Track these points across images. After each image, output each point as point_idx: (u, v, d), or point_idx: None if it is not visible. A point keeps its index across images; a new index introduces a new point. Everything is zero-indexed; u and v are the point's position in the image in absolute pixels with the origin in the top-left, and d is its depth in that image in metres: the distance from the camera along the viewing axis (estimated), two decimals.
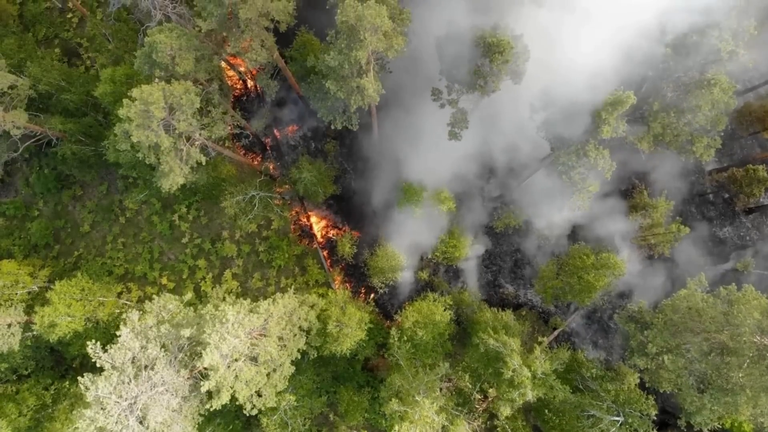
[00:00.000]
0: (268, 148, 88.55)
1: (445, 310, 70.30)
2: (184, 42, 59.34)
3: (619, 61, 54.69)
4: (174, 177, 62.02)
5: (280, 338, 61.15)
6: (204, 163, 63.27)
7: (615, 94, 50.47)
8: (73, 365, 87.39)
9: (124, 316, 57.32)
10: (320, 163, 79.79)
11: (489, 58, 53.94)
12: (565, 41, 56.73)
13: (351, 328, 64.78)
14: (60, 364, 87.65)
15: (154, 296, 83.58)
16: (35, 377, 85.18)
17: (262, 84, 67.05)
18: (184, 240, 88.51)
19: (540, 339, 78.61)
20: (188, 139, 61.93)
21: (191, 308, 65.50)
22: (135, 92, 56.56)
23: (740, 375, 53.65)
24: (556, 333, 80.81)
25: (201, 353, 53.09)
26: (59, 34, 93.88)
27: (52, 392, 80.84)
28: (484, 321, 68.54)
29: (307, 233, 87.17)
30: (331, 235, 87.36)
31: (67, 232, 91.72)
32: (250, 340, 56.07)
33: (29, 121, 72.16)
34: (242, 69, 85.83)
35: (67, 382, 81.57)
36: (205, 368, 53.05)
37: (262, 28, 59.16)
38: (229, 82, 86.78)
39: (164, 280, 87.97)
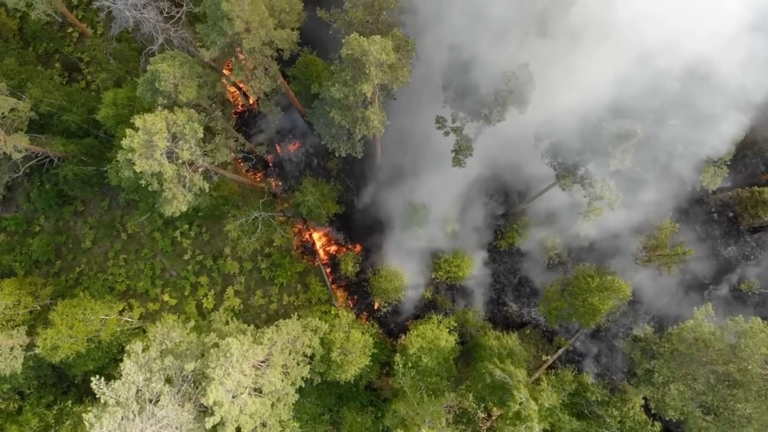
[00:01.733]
0: (270, 164, 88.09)
1: (449, 332, 70.05)
2: (187, 70, 58.93)
3: (626, 91, 54.13)
4: (177, 204, 61.75)
5: (284, 365, 60.94)
6: (207, 190, 62.83)
7: (622, 127, 50.06)
8: (75, 381, 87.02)
9: (127, 348, 57.03)
10: (323, 185, 79.33)
11: (494, 89, 53.55)
12: (570, 70, 56.24)
13: (355, 354, 64.51)
14: (62, 380, 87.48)
15: (157, 314, 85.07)
16: (37, 394, 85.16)
17: (266, 110, 66.52)
18: (186, 256, 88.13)
19: (544, 358, 78.93)
20: (191, 165, 61.49)
21: (195, 333, 65.42)
22: (138, 122, 56.21)
23: (747, 408, 53.56)
24: (560, 352, 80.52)
25: (206, 385, 53.02)
26: (60, 48, 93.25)
27: (54, 411, 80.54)
28: (489, 346, 68.16)
29: (309, 250, 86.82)
30: (333, 252, 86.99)
31: (68, 247, 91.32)
32: (254, 373, 55.80)
33: (30, 142, 71.68)
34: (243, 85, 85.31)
35: (70, 402, 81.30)
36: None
37: (266, 56, 58.71)
38: (230, 97, 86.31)
39: (166, 297, 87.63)
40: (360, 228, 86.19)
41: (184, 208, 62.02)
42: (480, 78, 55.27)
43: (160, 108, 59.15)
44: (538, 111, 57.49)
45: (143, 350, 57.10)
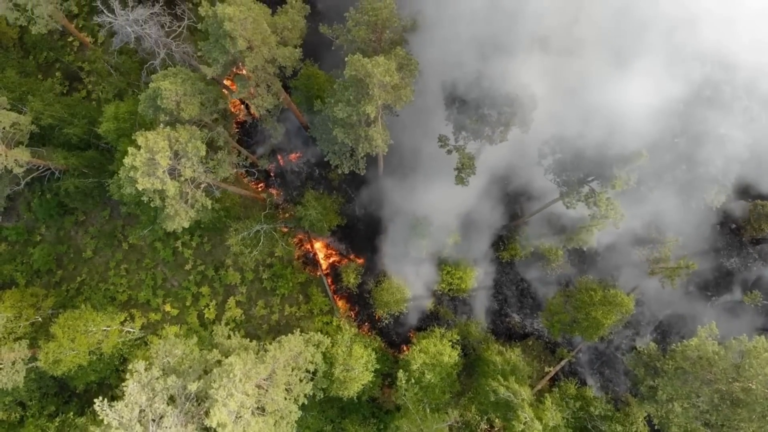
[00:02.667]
0: (272, 174, 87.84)
1: (452, 346, 69.97)
2: (189, 87, 58.66)
3: (631, 111, 53.90)
4: (179, 220, 61.56)
5: (287, 383, 60.80)
6: (210, 206, 62.63)
7: (627, 148, 49.88)
8: (77, 391, 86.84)
9: (130, 367, 56.83)
10: (325, 198, 79.08)
11: (497, 109, 53.35)
12: (574, 88, 56.02)
13: (358, 371, 64.39)
14: (64, 390, 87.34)
15: (159, 324, 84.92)
16: (38, 404, 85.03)
17: (269, 127, 66.28)
18: (188, 267, 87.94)
19: (547, 369, 78.87)
20: (193, 181, 61.27)
21: (197, 348, 65.35)
22: (140, 140, 55.96)
23: (750, 428, 53.61)
24: (562, 364, 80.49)
25: (209, 403, 52.94)
26: (60, 57, 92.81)
27: (57, 424, 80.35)
28: (492, 362, 68.03)
29: (311, 261, 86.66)
30: (335, 263, 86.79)
31: (69, 257, 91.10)
32: (257, 392, 55.66)
33: (31, 155, 71.45)
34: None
35: (72, 413, 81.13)
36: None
37: (269, 73, 58.46)
38: (231, 107, 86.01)
39: (168, 307, 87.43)
40: (362, 238, 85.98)
41: (186, 225, 61.85)
42: (482, 98, 54.88)
43: (162, 125, 58.90)
44: (542, 128, 57.34)
45: (146, 369, 56.79)
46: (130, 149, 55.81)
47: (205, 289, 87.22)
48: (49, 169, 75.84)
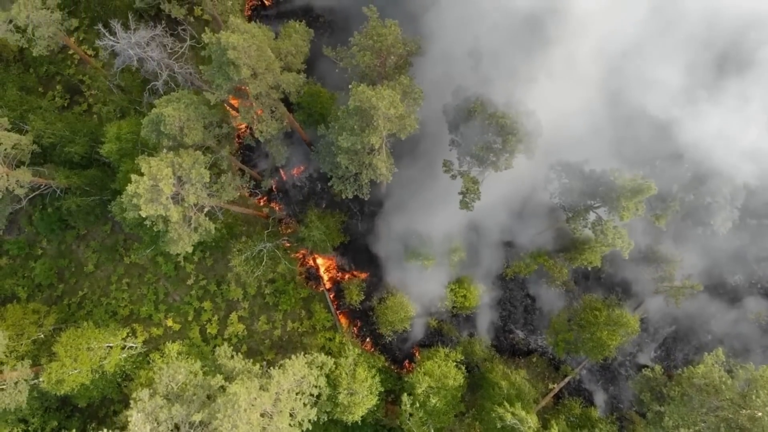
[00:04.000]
0: (274, 189, 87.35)
1: (456, 366, 69.76)
2: (192, 112, 58.22)
3: (638, 140, 53.62)
4: (183, 245, 61.21)
5: (291, 408, 60.54)
6: (213, 231, 62.25)
7: (636, 181, 49.50)
8: (79, 405, 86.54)
9: (134, 395, 56.53)
10: (328, 217, 78.67)
11: (502, 137, 52.90)
12: (580, 115, 55.66)
13: (362, 395, 64.14)
14: (66, 405, 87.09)
15: (161, 339, 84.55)
16: (41, 419, 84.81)
17: (272, 150, 65.84)
18: (190, 281, 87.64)
19: (551, 386, 78.67)
20: (196, 205, 60.87)
21: (200, 370, 65.11)
22: (143, 167, 55.58)
23: None
24: (566, 380, 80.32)
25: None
26: (61, 71, 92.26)
27: None
28: (497, 384, 67.77)
29: (313, 276, 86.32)
30: (338, 278, 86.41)
31: (71, 271, 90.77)
32: (262, 422, 55.39)
33: (33, 174, 71.03)
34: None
35: (74, 430, 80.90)
36: None
37: (273, 99, 58.01)
38: (233, 122, 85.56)
39: (170, 322, 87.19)
40: (365, 254, 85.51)
41: (190, 249, 61.56)
42: (486, 125, 54.43)
43: (165, 150, 58.49)
44: (549, 153, 57.00)
45: (150, 397, 56.49)
46: (134, 176, 55.34)
47: (207, 304, 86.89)
48: (51, 187, 75.32)
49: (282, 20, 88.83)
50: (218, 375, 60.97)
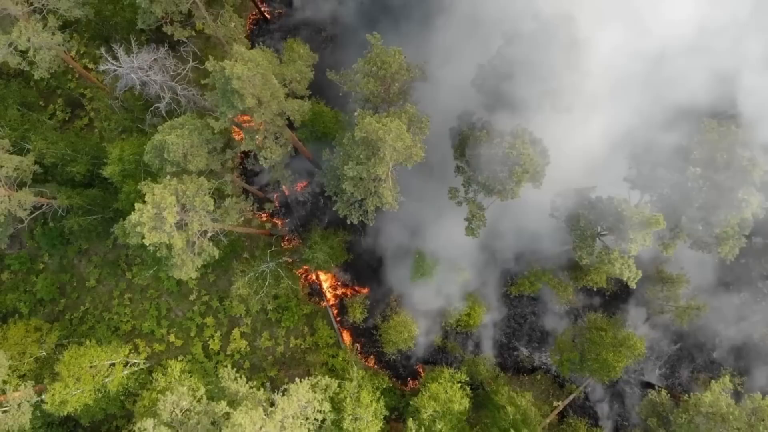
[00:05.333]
0: (276, 205, 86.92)
1: (461, 387, 69.56)
2: (196, 138, 57.77)
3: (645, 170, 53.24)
4: (186, 270, 60.84)
5: None
6: (217, 256, 61.90)
7: (644, 214, 49.11)
8: (81, 421, 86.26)
9: (138, 425, 56.28)
10: (332, 237, 78.14)
11: (508, 167, 52.50)
12: (587, 143, 55.28)
13: (366, 420, 63.89)
14: (69, 420, 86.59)
15: (163, 354, 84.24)
16: None
17: (277, 175, 65.42)
18: (192, 297, 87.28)
19: (555, 403, 78.45)
20: (200, 230, 60.45)
21: (204, 395, 64.97)
22: (147, 194, 55.19)
23: None
24: (570, 398, 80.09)
25: None
26: (62, 85, 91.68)
27: None
28: (503, 407, 67.52)
29: (316, 291, 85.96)
30: (341, 294, 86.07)
31: (73, 286, 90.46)
32: None
33: (35, 194, 70.57)
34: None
35: None
36: None
37: (278, 126, 57.58)
38: (235, 136, 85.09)
39: (172, 338, 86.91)
40: (368, 269, 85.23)
41: (193, 275, 61.15)
42: (492, 154, 54.01)
43: (168, 176, 58.05)
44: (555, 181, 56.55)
45: (154, 428, 56.25)
46: (137, 205, 54.98)
47: (209, 320, 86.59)
48: (53, 207, 74.84)
49: (283, 34, 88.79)
50: (222, 401, 60.66)
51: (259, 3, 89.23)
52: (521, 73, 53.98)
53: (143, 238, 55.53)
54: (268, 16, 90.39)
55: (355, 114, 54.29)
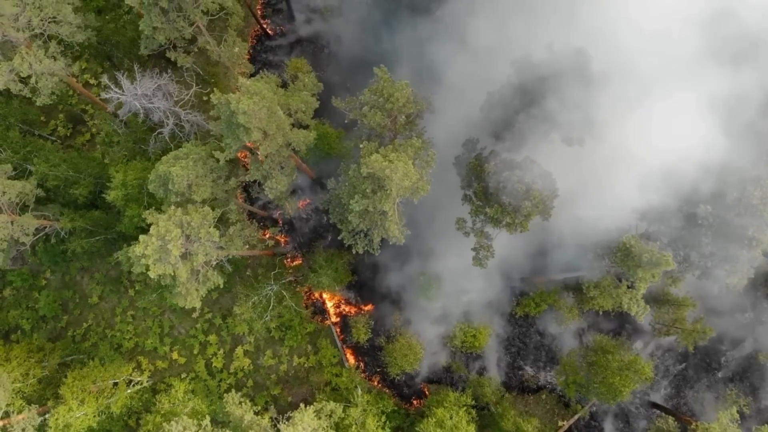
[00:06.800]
0: (279, 222, 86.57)
1: (467, 411, 69.39)
2: (201, 168, 57.34)
3: (655, 203, 52.82)
4: (191, 300, 60.49)
5: None
6: (221, 285, 61.57)
7: (653, 254, 48.71)
8: None
9: None
10: (336, 259, 77.66)
11: (516, 201, 52.10)
12: (596, 178, 54.85)
13: None
14: None
15: (166, 371, 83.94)
16: None
17: (281, 203, 65.00)
18: (195, 315, 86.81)
19: (560, 423, 78.29)
20: (205, 260, 60.07)
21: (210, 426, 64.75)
22: (152, 227, 54.76)
23: None
24: (576, 417, 79.95)
25: None
26: (63, 100, 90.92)
27: None
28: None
29: (320, 309, 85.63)
30: (344, 312, 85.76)
31: (75, 302, 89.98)
32: None
33: (37, 218, 70.10)
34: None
35: None
36: None
37: (284, 156, 57.13)
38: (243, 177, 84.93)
39: (175, 355, 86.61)
40: (372, 287, 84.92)
41: (198, 305, 60.79)
42: (501, 187, 53.55)
43: (173, 207, 57.60)
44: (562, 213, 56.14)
45: None
46: (142, 237, 54.49)
47: (212, 338, 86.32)
48: (55, 229, 74.36)
49: (286, 50, 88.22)
50: (227, 430, 60.49)
51: (261, 19, 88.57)
52: (530, 104, 53.40)
53: (148, 269, 55.13)
54: (270, 32, 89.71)
55: (361, 146, 53.83)
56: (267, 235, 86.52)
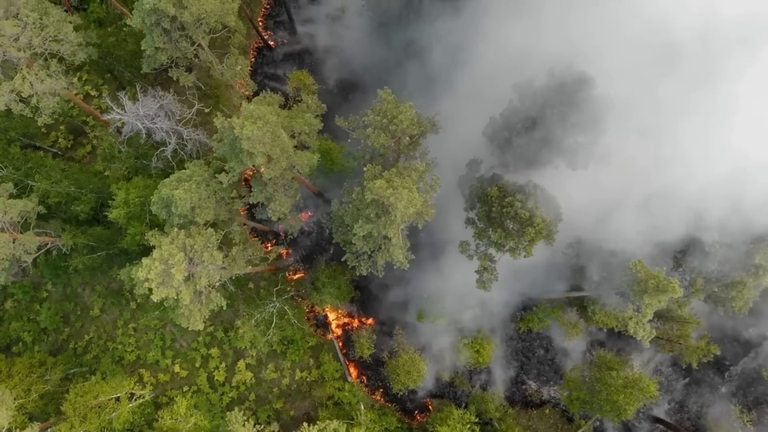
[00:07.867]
0: (282, 235, 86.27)
1: (470, 429, 69.22)
2: (204, 191, 56.94)
3: (662, 228, 52.58)
4: (194, 321, 60.28)
5: None
6: (224, 307, 61.30)
7: (660, 280, 48.41)
8: None
9: None
10: (339, 276, 77.35)
11: (520, 226, 51.80)
12: (599, 199, 54.59)
13: None
14: None
15: (168, 384, 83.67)
16: None
17: (284, 224, 64.70)
18: None
19: None
20: (208, 283, 59.79)
21: None
22: (155, 250, 54.45)
23: None
24: None
25: None
26: (64, 112, 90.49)
27: None
28: None
29: (322, 322, 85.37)
30: (346, 325, 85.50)
31: (76, 315, 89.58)
32: None
33: (38, 235, 69.77)
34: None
35: None
36: None
37: (287, 179, 56.81)
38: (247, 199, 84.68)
39: (177, 368, 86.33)
40: (375, 302, 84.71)
41: (201, 327, 60.56)
42: (505, 212, 53.22)
43: (176, 229, 57.34)
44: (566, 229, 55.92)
45: None
46: (145, 260, 54.27)
47: (214, 351, 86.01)
48: (56, 245, 74.06)
49: (288, 62, 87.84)
50: None
51: (263, 32, 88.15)
52: (533, 128, 53.04)
53: (152, 294, 54.96)
54: (271, 44, 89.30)
55: (365, 168, 53.52)
56: (269, 247, 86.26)
